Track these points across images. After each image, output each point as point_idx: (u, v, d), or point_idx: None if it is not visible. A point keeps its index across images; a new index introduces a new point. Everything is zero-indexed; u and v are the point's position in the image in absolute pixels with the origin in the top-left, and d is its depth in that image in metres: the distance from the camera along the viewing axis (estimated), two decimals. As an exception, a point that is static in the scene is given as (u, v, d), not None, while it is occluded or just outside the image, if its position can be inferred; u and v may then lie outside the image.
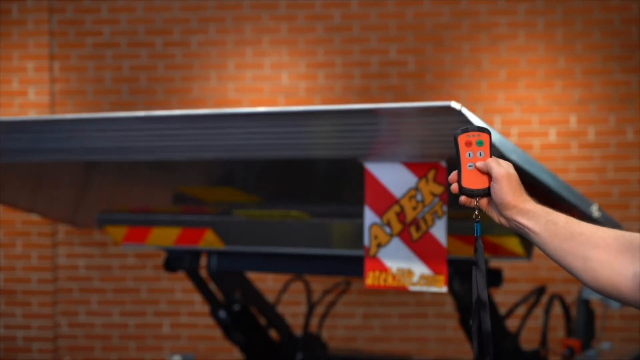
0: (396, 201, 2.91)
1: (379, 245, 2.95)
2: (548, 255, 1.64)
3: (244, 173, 3.40)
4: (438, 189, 2.86)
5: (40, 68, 6.12)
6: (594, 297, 4.17)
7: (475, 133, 1.68)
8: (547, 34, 5.95)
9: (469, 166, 1.67)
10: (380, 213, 2.94)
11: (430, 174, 2.87)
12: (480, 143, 1.68)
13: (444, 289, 2.92)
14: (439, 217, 2.87)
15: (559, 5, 5.96)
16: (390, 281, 2.94)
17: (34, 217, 6.18)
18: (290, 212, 3.69)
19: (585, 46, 5.94)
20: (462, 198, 1.70)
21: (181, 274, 5.46)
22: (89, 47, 6.28)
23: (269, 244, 3.99)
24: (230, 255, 4.50)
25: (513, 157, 2.73)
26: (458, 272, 3.82)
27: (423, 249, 2.91)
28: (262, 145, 2.98)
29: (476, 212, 1.70)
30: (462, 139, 1.68)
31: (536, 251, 5.85)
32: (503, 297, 5.51)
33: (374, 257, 2.96)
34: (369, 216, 2.95)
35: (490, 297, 4.00)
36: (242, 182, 3.49)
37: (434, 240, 2.89)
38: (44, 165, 3.68)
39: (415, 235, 2.91)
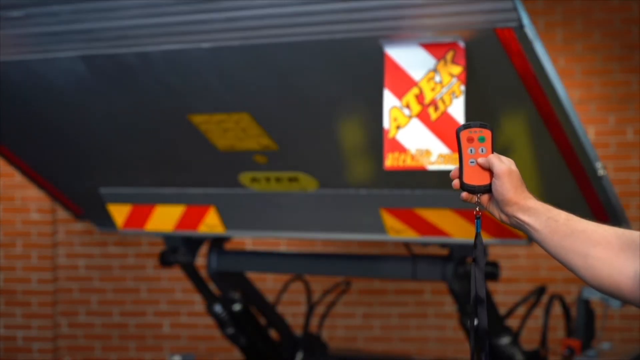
0: (415, 84, 2.98)
1: (398, 127, 3.01)
2: (548, 252, 1.64)
3: (261, 93, 3.39)
4: (456, 70, 2.92)
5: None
6: (594, 297, 4.17)
7: (477, 129, 1.68)
8: (547, 34, 5.95)
9: (471, 162, 1.67)
10: (399, 96, 3.00)
11: (449, 55, 2.92)
12: (482, 139, 1.68)
13: None
14: (457, 97, 2.93)
15: (559, 5, 5.96)
16: (409, 161, 3.01)
17: (34, 217, 6.18)
18: (299, 174, 3.68)
19: (585, 46, 5.94)
20: (464, 194, 1.70)
21: (181, 274, 5.45)
22: (89, 47, 6.28)
23: (272, 228, 3.97)
24: (230, 255, 4.50)
25: (552, 77, 2.86)
26: (458, 274, 3.83)
27: (441, 128, 2.98)
28: (284, 16, 2.99)
29: (477, 209, 1.70)
30: (464, 135, 1.68)
31: (537, 251, 5.82)
32: (503, 297, 5.52)
33: (393, 138, 3.02)
34: (388, 99, 3.01)
35: (489, 295, 4.02)
36: (258, 108, 3.46)
37: (451, 120, 2.96)
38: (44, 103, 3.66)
39: (433, 115, 2.98)
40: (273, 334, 4.70)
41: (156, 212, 4.09)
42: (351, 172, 3.62)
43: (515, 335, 4.06)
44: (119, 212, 4.13)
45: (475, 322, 1.69)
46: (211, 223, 3.98)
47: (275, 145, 3.58)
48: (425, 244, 3.99)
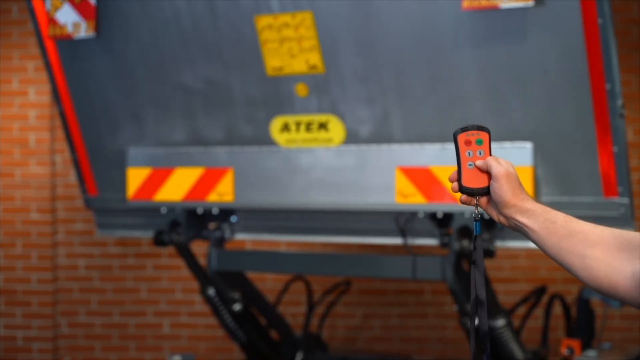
0: None
1: None
2: (546, 253, 1.64)
3: None
4: None
5: (40, 68, 6.10)
6: (594, 297, 4.17)
7: (475, 132, 1.68)
8: (547, 34, 5.95)
9: (469, 165, 1.68)
10: None
11: None
12: (479, 142, 1.68)
13: (530, 3, 3.34)
14: None
15: (559, 5, 5.95)
16: (484, 1, 3.37)
17: (34, 217, 6.19)
18: (331, 118, 3.84)
19: (585, 46, 5.93)
20: (463, 197, 1.70)
21: (181, 274, 5.46)
22: (89, 47, 6.27)
23: (282, 197, 4.02)
24: (230, 255, 4.50)
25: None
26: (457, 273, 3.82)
27: None
28: None
29: (476, 211, 1.70)
30: (461, 138, 1.68)
31: (537, 251, 5.80)
32: (503, 297, 5.51)
33: None
34: None
35: (486, 278, 3.99)
36: (322, 6, 3.69)
37: None
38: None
39: None
40: (273, 334, 4.71)
41: (172, 177, 4.19)
42: (385, 115, 3.76)
43: (509, 315, 4.04)
44: (135, 178, 4.24)
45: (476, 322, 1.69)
46: (222, 191, 4.09)
47: (323, 66, 3.76)
48: (430, 214, 3.94)
